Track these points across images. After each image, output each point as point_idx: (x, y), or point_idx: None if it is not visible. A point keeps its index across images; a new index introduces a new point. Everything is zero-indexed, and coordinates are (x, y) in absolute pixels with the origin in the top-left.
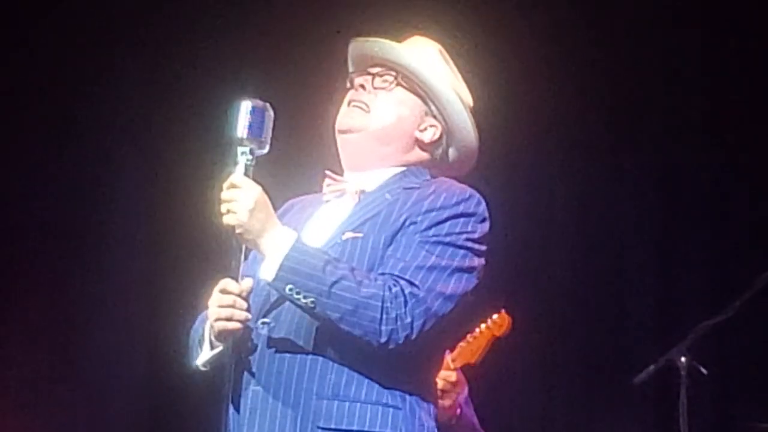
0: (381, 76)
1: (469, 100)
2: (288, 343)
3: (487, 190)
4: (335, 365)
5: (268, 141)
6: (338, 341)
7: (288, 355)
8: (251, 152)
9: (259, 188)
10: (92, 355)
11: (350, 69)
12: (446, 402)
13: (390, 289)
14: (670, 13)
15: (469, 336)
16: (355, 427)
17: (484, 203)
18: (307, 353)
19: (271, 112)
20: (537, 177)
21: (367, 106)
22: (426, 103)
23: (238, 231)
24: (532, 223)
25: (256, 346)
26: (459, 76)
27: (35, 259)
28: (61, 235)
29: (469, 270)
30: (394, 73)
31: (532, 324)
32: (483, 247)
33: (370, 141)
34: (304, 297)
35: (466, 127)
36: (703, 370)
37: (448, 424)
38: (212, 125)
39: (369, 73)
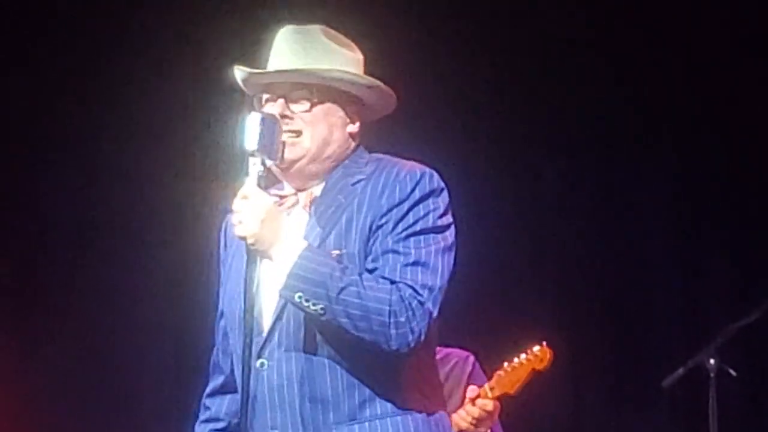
0: (295, 101)
1: (359, 56)
2: (292, 384)
3: (505, 203)
4: (343, 393)
5: (279, 151)
6: (339, 368)
7: (296, 395)
8: (262, 163)
9: (270, 199)
10: (120, 354)
11: (247, 91)
12: (481, 429)
13: (394, 293)
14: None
15: (506, 365)
16: None
17: (435, 174)
18: (310, 392)
19: (280, 123)
20: (557, 186)
21: (297, 134)
22: (347, 99)
23: (249, 242)
24: (555, 233)
25: (263, 388)
26: (344, 40)
27: (60, 259)
28: (86, 235)
29: (447, 249)
30: (308, 93)
31: (560, 331)
32: (449, 218)
33: (311, 165)
34: (314, 304)
35: (377, 92)
36: (732, 372)
37: None
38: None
39: (279, 96)
